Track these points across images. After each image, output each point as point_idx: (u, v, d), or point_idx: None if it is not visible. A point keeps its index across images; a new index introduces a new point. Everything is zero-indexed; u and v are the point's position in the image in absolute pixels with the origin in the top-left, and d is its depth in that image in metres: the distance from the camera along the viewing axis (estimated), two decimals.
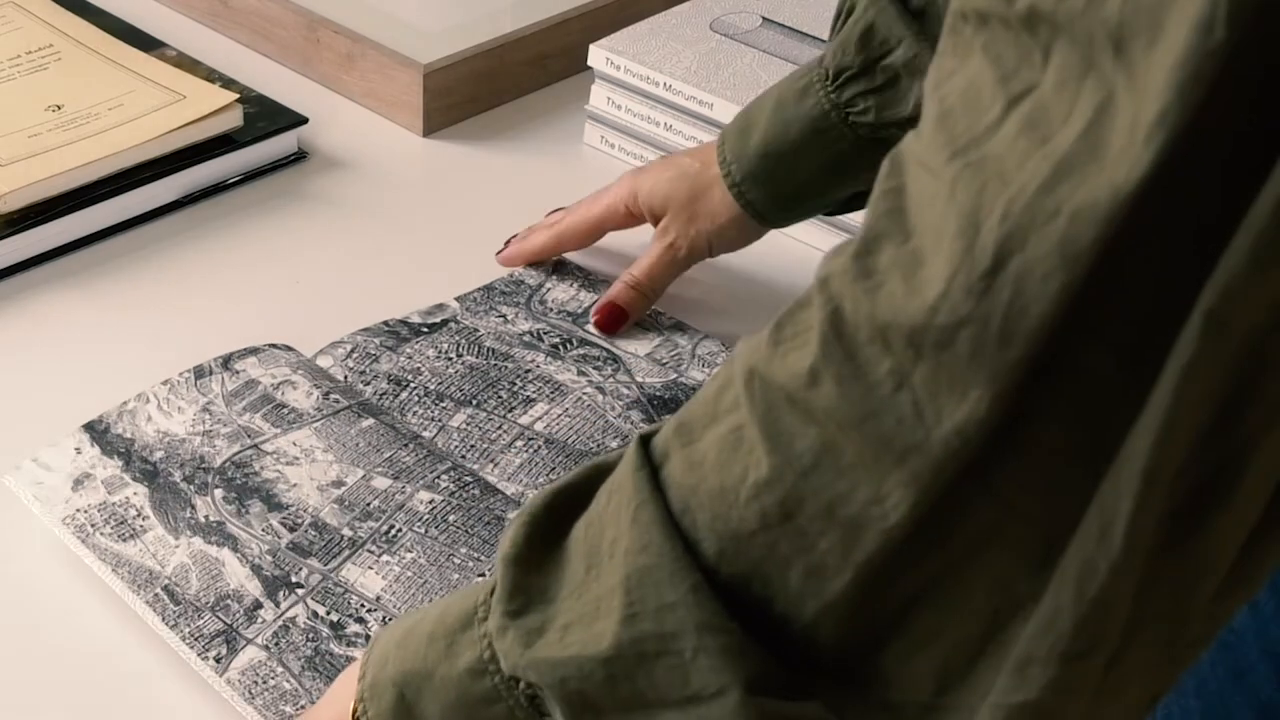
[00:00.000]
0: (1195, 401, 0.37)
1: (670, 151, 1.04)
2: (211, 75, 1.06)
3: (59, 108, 1.00)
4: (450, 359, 0.85)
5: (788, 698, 0.44)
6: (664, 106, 1.03)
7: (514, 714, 0.50)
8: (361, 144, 1.07)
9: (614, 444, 0.80)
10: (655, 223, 0.90)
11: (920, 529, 0.41)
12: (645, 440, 0.48)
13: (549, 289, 0.92)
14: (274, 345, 0.83)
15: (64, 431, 0.78)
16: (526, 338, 0.87)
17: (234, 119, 1.01)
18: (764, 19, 1.09)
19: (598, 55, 1.05)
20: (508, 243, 0.95)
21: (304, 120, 1.04)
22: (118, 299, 0.91)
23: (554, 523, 0.50)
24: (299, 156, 1.04)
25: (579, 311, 0.90)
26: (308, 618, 0.68)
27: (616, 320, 0.89)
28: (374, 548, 0.70)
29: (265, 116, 1.03)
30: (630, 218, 0.91)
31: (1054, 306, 0.38)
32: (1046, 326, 0.38)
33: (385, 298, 0.90)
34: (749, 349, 0.45)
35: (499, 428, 0.80)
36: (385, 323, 0.87)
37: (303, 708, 0.64)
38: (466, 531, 0.72)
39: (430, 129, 1.08)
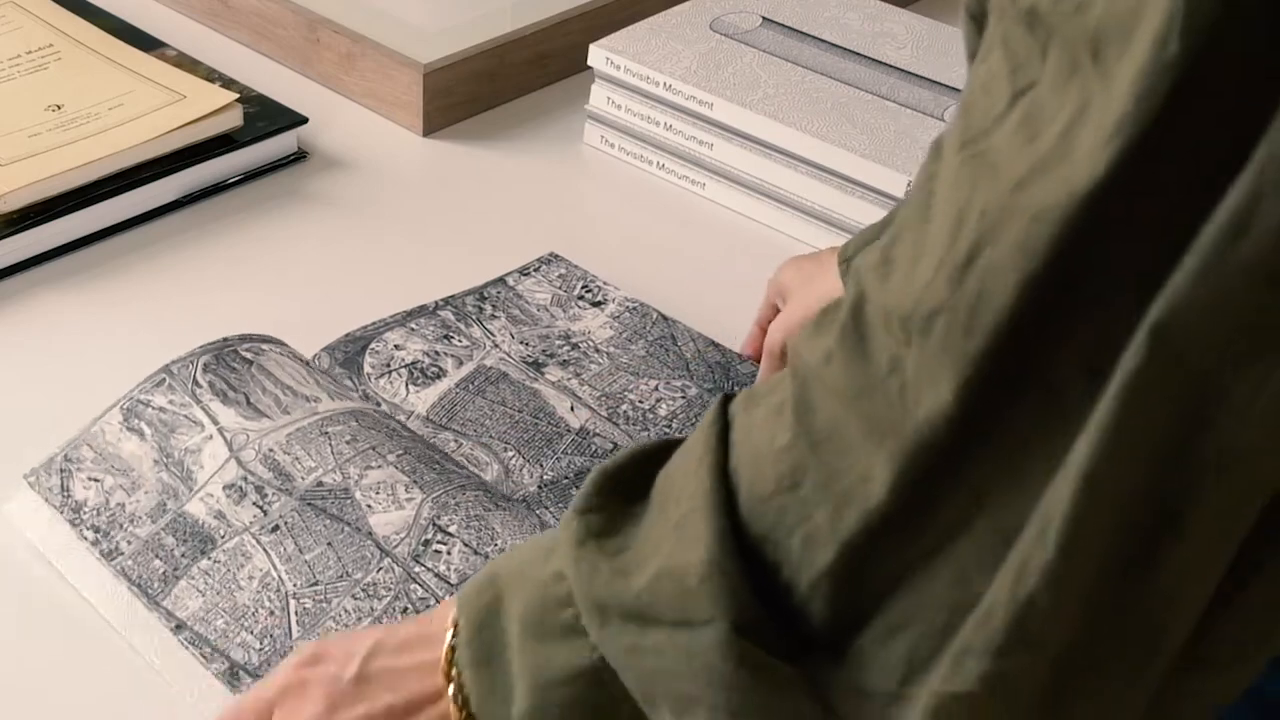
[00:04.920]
0: (1142, 416, 0.37)
1: (668, 150, 1.04)
2: (211, 75, 1.06)
3: (59, 108, 1.00)
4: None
5: (771, 652, 0.45)
6: (664, 106, 1.03)
7: (575, 626, 0.51)
8: (361, 144, 1.07)
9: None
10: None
11: (898, 513, 0.42)
12: (727, 399, 0.51)
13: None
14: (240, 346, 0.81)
15: (63, 431, 0.78)
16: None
17: (234, 119, 1.01)
18: (764, 19, 1.09)
19: (598, 55, 1.05)
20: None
21: (304, 120, 1.04)
22: (118, 299, 0.91)
23: (657, 460, 0.52)
24: (299, 156, 1.04)
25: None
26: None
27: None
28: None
29: (265, 116, 1.03)
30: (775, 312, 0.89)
31: (1013, 302, 0.39)
32: (1007, 322, 0.39)
33: (385, 297, 0.90)
34: (802, 332, 0.47)
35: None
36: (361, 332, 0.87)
37: None
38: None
39: (430, 129, 1.08)
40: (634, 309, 0.90)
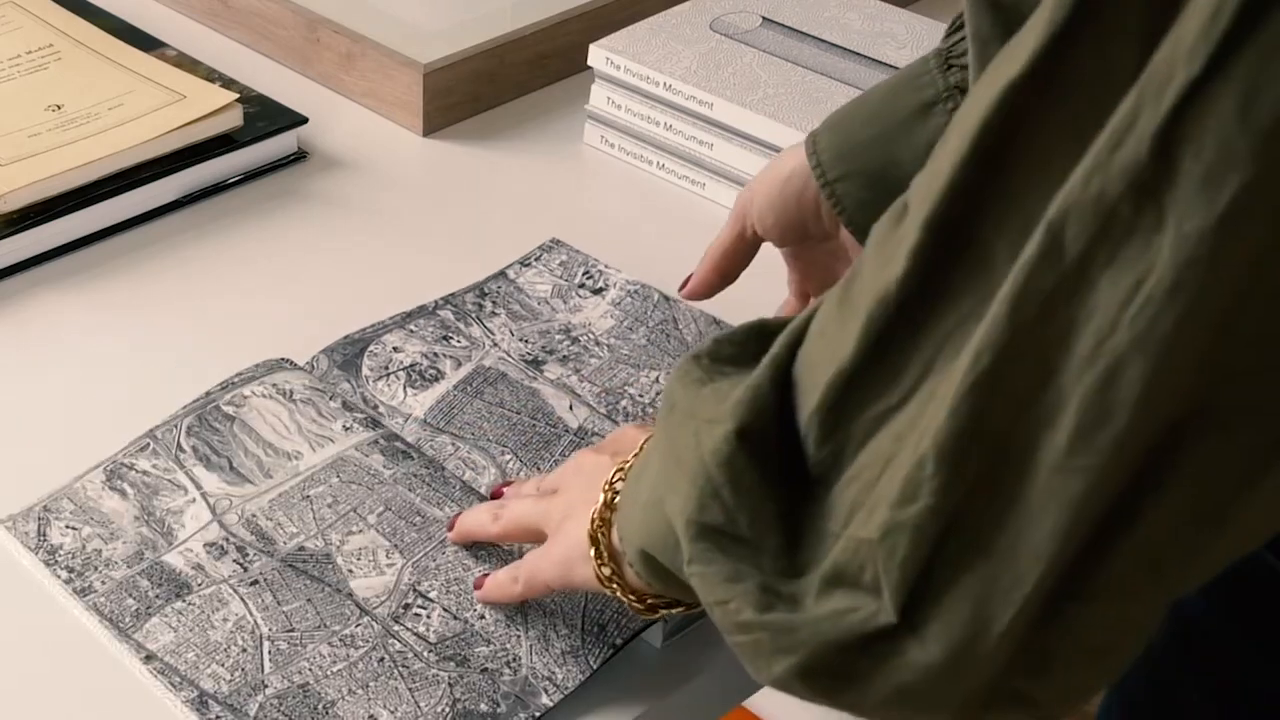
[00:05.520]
0: (1025, 303, 0.41)
1: (668, 150, 1.04)
2: (211, 75, 1.06)
3: (59, 108, 1.00)
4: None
5: (760, 466, 0.50)
6: (664, 106, 1.03)
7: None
8: (361, 144, 1.07)
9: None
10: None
11: (863, 371, 0.46)
12: None
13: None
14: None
15: (62, 431, 0.78)
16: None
17: (234, 119, 1.01)
18: (764, 19, 1.09)
19: (598, 55, 1.05)
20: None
21: (304, 120, 1.04)
22: (118, 299, 0.91)
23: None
24: (299, 156, 1.04)
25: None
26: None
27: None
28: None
29: (265, 116, 1.03)
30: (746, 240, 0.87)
31: (951, 179, 0.42)
32: (948, 196, 0.43)
33: (385, 297, 0.90)
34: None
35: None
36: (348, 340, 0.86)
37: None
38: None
39: (430, 129, 1.08)
40: (635, 292, 0.90)
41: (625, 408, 0.82)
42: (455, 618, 0.70)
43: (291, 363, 0.83)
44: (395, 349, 0.85)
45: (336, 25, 1.10)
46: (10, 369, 0.85)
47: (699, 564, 0.51)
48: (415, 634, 0.69)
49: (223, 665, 0.67)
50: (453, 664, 0.67)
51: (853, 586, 0.46)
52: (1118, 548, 0.43)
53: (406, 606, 0.70)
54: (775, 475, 0.49)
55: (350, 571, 0.71)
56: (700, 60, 1.04)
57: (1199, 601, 0.72)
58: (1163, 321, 0.39)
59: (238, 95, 1.02)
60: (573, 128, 1.09)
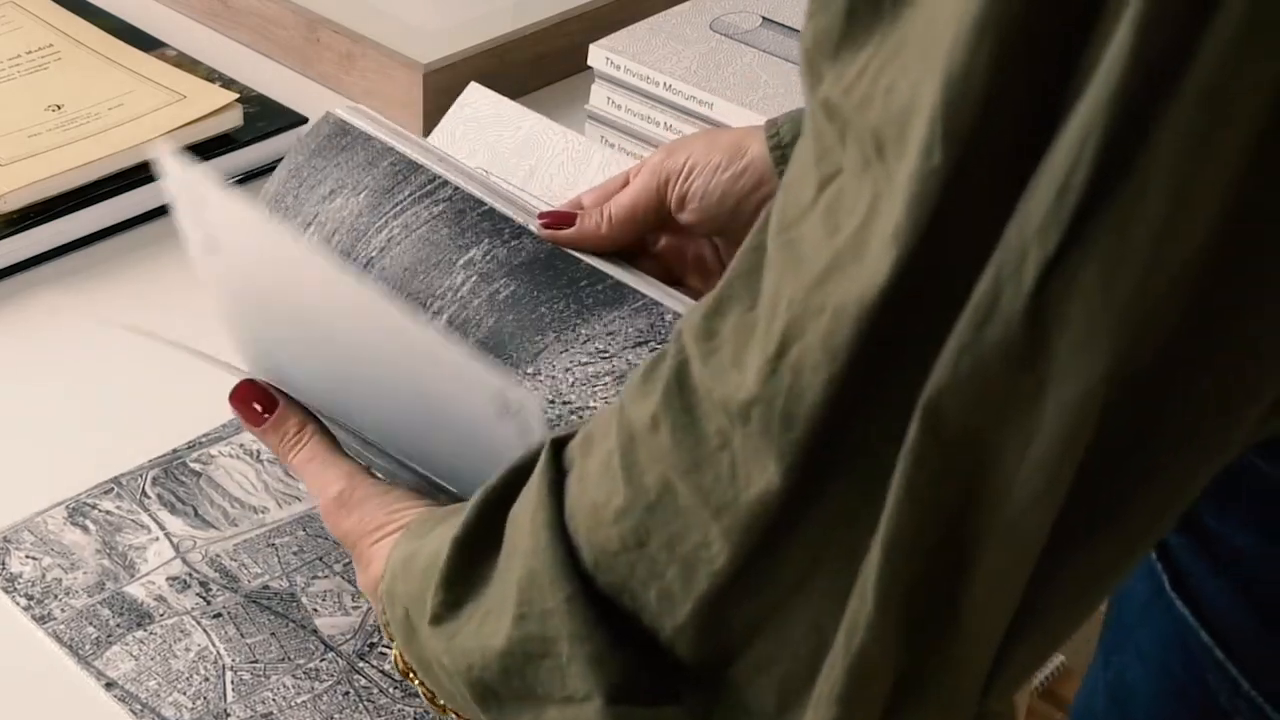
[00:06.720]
0: (921, 485, 0.40)
1: None
2: (211, 75, 1.06)
3: (59, 108, 1.00)
4: None
5: (649, 703, 0.47)
6: (664, 106, 1.03)
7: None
8: None
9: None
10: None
11: (744, 572, 0.44)
12: (558, 445, 0.51)
13: None
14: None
15: (62, 432, 0.78)
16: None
17: (234, 119, 1.01)
18: (764, 19, 1.09)
19: (598, 55, 1.05)
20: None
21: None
22: (118, 299, 0.91)
23: (506, 503, 0.52)
24: None
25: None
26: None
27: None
28: None
29: (265, 116, 1.03)
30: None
31: (824, 395, 0.41)
32: (821, 411, 0.41)
33: None
34: (629, 382, 0.48)
35: None
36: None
37: None
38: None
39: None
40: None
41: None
42: None
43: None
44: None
45: (336, 25, 1.10)
46: (10, 369, 0.85)
47: None
48: (381, 671, 0.69)
49: (184, 694, 0.67)
50: (419, 700, 0.67)
51: None
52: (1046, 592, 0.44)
53: (372, 645, 0.70)
54: (660, 689, 0.48)
55: (315, 610, 0.72)
56: (700, 60, 1.04)
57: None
58: (1058, 480, 0.40)
59: (238, 95, 1.02)
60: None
